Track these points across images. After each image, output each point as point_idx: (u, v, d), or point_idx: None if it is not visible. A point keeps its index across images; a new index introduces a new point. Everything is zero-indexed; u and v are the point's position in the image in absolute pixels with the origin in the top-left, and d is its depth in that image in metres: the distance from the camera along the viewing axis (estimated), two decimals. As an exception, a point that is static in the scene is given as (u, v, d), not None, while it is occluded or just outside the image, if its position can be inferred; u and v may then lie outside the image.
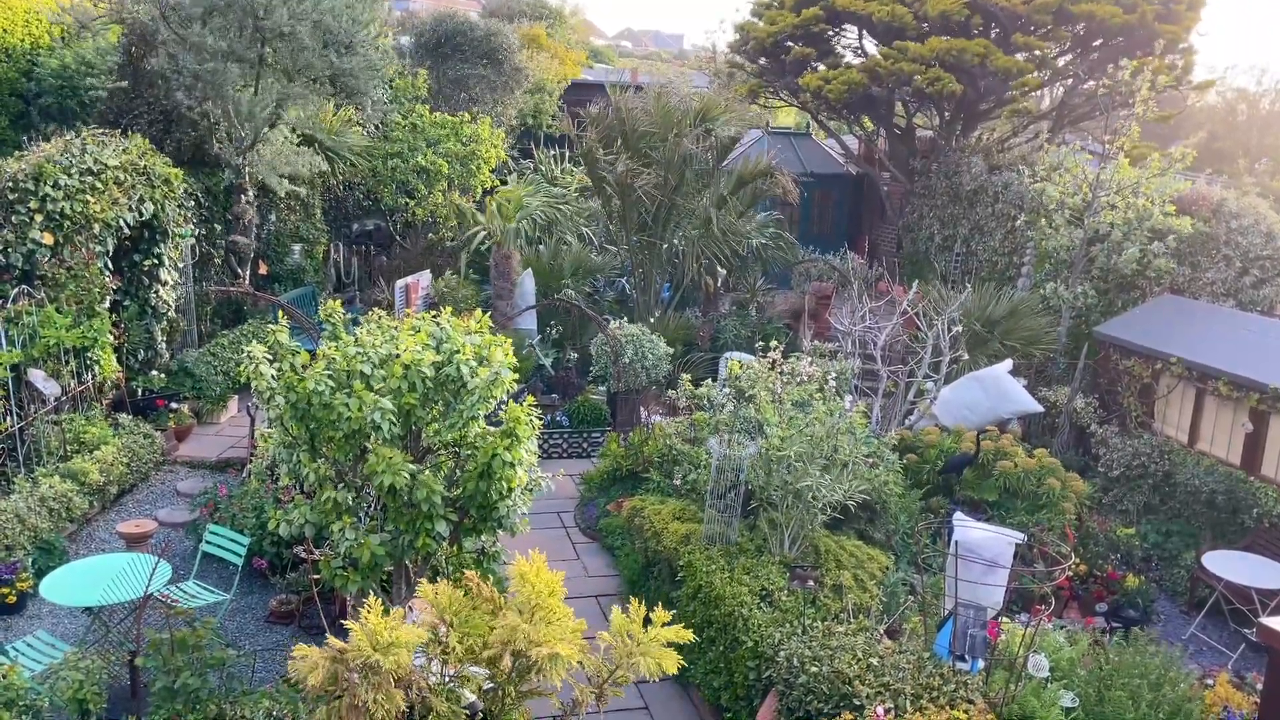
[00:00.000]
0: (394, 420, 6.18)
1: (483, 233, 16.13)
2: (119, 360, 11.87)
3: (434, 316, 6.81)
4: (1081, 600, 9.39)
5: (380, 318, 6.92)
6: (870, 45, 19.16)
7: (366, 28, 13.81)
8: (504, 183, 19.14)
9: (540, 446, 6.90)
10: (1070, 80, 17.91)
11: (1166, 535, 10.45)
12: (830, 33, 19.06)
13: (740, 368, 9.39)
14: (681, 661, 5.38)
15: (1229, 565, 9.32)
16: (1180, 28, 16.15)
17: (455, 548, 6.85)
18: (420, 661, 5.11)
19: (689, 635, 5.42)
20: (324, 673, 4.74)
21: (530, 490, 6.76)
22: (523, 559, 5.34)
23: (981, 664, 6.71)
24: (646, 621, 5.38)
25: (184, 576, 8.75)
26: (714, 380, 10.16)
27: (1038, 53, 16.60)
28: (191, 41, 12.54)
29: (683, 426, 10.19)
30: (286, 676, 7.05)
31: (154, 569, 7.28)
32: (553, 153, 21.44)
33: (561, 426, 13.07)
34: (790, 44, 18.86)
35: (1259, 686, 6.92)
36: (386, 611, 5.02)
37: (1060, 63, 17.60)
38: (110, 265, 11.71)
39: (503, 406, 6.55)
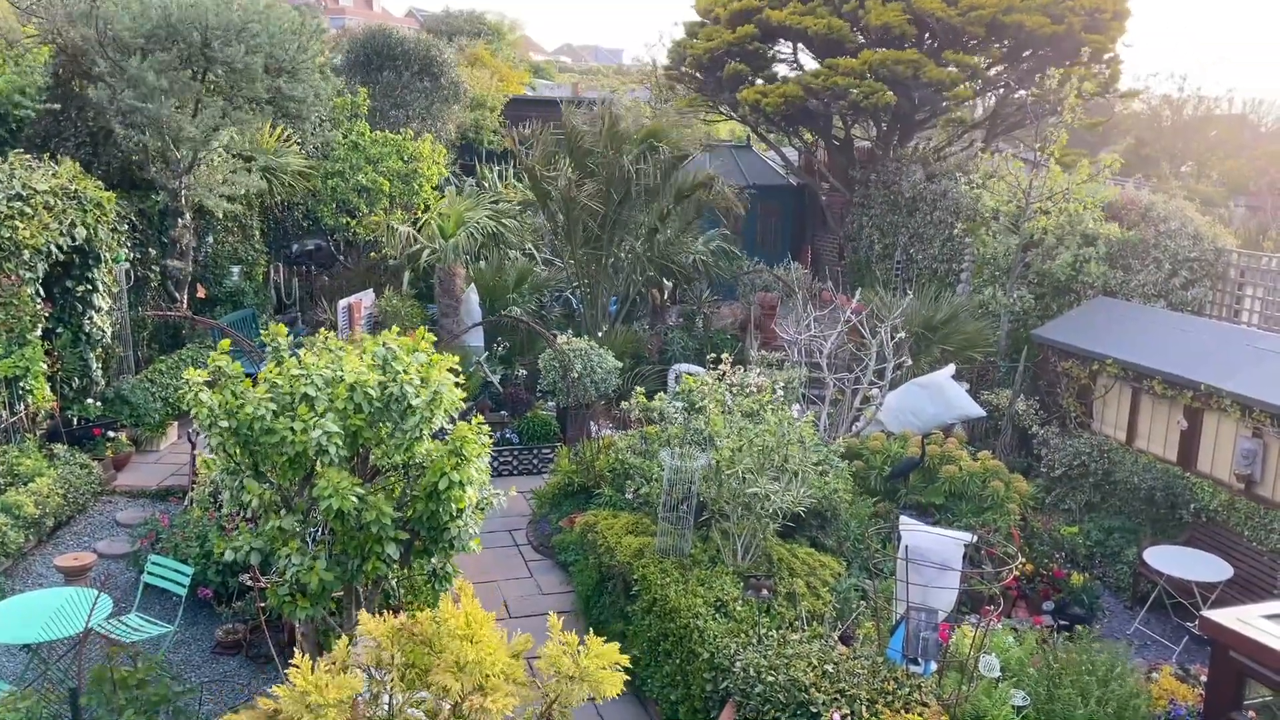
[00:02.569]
0: (340, 443, 6.09)
1: (426, 250, 16.01)
2: (53, 389, 11.56)
3: (383, 337, 6.73)
4: (1029, 599, 9.55)
5: (326, 338, 6.83)
6: (806, 59, 19.43)
7: (308, 53, 13.66)
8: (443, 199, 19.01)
9: (490, 464, 6.85)
10: (1002, 90, 18.33)
11: (1108, 532, 10.67)
12: (766, 49, 19.28)
13: (694, 381, 9.43)
14: (624, 679, 5.28)
15: (1170, 560, 9.54)
16: (1106, 38, 16.62)
17: (406, 570, 6.77)
18: (365, 696, 5.01)
19: (625, 659, 5.31)
20: None
21: (482, 509, 6.70)
22: (448, 604, 5.23)
23: (934, 666, 6.79)
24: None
25: (126, 609, 8.54)
26: (664, 392, 10.19)
27: (970, 62, 16.94)
28: (130, 75, 12.29)
29: (634, 440, 10.19)
30: (234, 708, 6.90)
31: (94, 603, 7.09)
32: (496, 169, 21.36)
33: (511, 443, 13.00)
34: (727, 60, 19.05)
35: (1203, 679, 7.09)
36: (325, 651, 4.91)
37: (992, 73, 18.00)
38: (42, 292, 11.41)
39: (453, 424, 6.49)
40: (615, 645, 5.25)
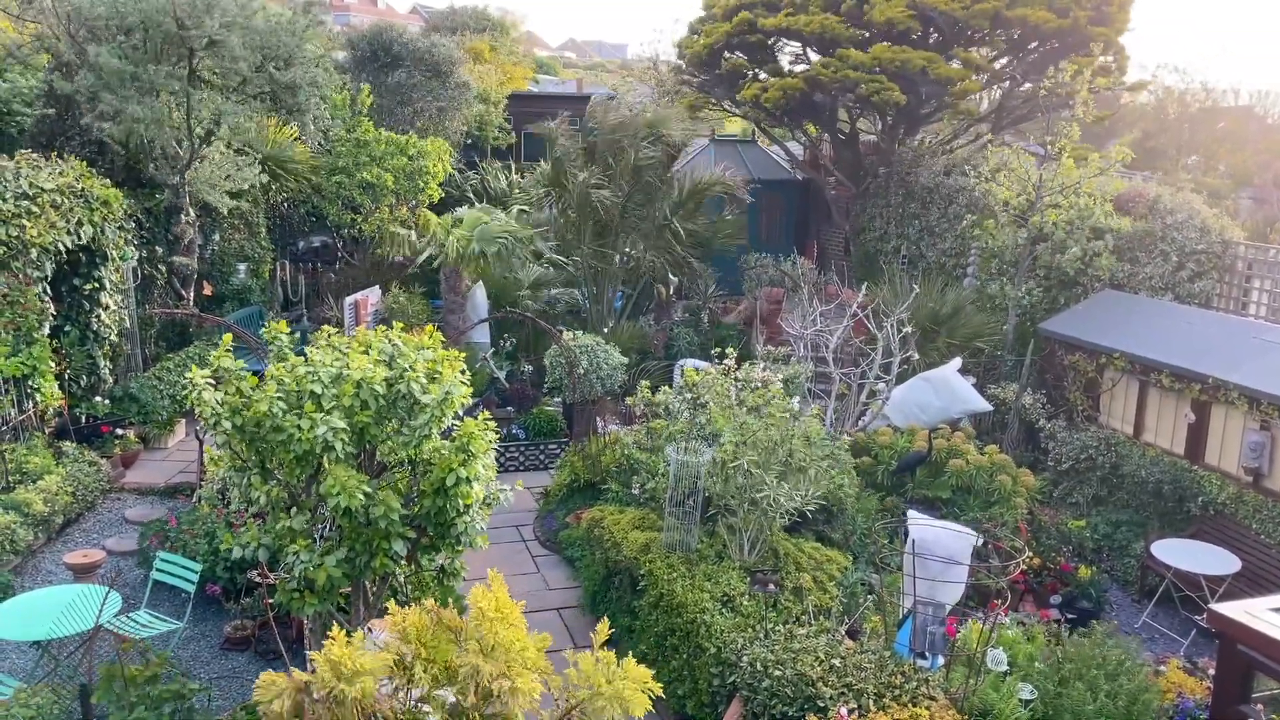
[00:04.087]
0: (347, 439, 6.10)
1: (429, 250, 16.02)
2: (61, 387, 11.59)
3: (385, 332, 6.74)
4: (1036, 593, 9.53)
5: (330, 335, 6.83)
6: (813, 53, 19.35)
7: (306, 44, 13.64)
8: (448, 196, 19.00)
9: (497, 460, 6.86)
10: (1008, 83, 18.26)
11: (1116, 526, 10.66)
12: (770, 41, 19.22)
13: (697, 375, 9.42)
14: (648, 704, 5.26)
15: (1177, 553, 9.52)
16: (1112, 30, 16.53)
17: (414, 566, 6.78)
18: (386, 690, 5.02)
19: (658, 687, 5.28)
20: (288, 702, 4.65)
21: (489, 504, 6.70)
22: (480, 589, 5.24)
23: (941, 660, 6.79)
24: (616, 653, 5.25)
25: (135, 606, 8.57)
26: (669, 387, 10.19)
27: (976, 58, 16.88)
28: (90, 62, 12.25)
29: (641, 435, 10.19)
30: (244, 704, 6.93)
31: (104, 600, 7.12)
32: (499, 165, 21.35)
33: (518, 439, 13.01)
34: (727, 54, 19.00)
35: (1211, 672, 7.08)
36: (349, 636, 4.93)
37: (997, 66, 17.94)
38: (49, 290, 11.44)
39: (459, 420, 6.50)
40: (649, 672, 5.20)
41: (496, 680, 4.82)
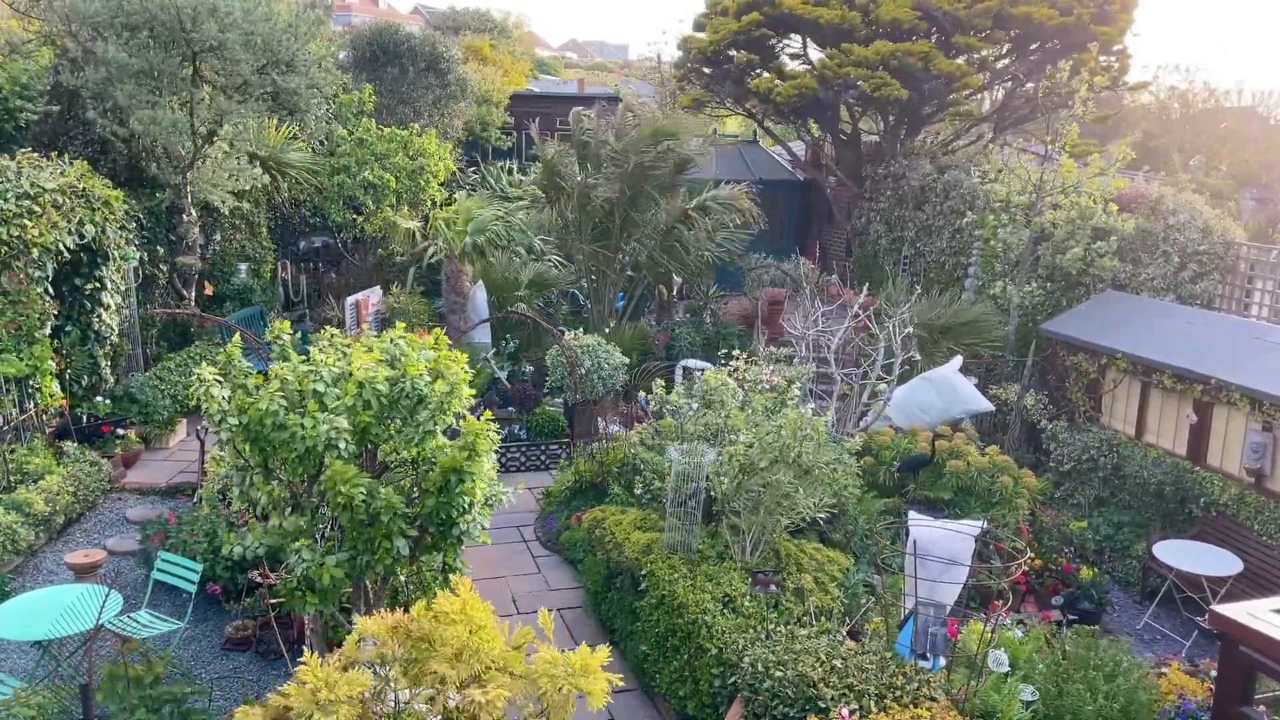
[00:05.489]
0: (349, 438, 6.10)
1: (433, 247, 16.02)
2: (62, 387, 11.59)
3: (389, 334, 6.75)
4: (1038, 594, 9.53)
5: (333, 335, 6.83)
6: (814, 52, 19.35)
7: (307, 46, 13.63)
8: (452, 199, 19.02)
9: (498, 460, 6.86)
10: (1010, 83, 18.26)
11: (1118, 527, 10.64)
12: (773, 39, 19.22)
13: (714, 379, 9.44)
14: (608, 693, 5.23)
15: (1179, 554, 9.51)
16: (1114, 29, 16.53)
17: (415, 565, 6.77)
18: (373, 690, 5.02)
19: (605, 655, 5.27)
20: None
21: (490, 504, 6.70)
22: (446, 598, 5.21)
23: (943, 661, 6.78)
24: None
25: (136, 606, 8.57)
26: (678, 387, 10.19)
27: (978, 55, 16.89)
28: (100, 58, 12.26)
29: (647, 433, 10.18)
30: (246, 700, 6.92)
31: (104, 600, 7.12)
32: (501, 164, 21.35)
33: (519, 439, 13.01)
34: (733, 51, 18.99)
35: (1213, 673, 7.06)
36: (333, 646, 4.92)
37: (1000, 65, 17.93)
38: (50, 290, 11.44)
39: (461, 420, 6.50)
40: (603, 654, 5.18)
41: (464, 689, 4.81)
